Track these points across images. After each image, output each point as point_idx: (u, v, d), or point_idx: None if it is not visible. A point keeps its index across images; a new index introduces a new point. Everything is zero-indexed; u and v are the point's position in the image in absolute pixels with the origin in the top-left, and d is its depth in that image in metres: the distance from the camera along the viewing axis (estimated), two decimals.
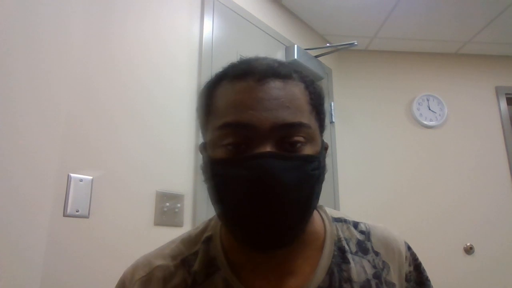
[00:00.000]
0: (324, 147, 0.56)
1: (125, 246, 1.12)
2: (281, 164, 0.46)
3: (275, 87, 0.48)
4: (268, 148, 0.46)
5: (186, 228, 1.33)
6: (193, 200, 1.38)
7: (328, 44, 2.29)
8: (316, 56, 2.20)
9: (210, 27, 1.60)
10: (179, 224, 1.32)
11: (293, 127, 0.47)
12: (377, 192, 2.28)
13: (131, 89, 1.27)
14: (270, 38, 1.95)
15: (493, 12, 2.17)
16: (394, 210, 2.22)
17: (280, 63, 0.53)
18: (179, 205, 1.33)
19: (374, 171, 2.33)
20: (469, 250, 2.22)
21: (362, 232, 0.59)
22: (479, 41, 2.46)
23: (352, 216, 0.62)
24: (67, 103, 1.09)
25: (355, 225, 0.60)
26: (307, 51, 2.11)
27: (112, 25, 1.26)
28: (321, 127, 0.55)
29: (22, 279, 0.93)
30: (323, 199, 0.53)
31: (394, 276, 0.56)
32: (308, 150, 0.49)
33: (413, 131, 2.43)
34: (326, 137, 0.58)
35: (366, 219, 0.64)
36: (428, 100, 2.48)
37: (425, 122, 2.43)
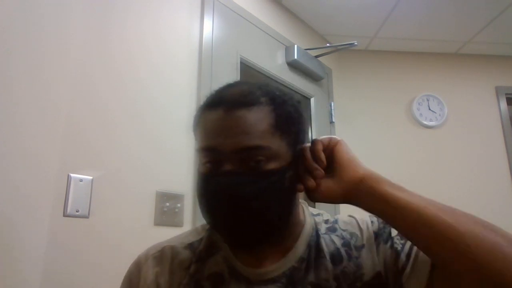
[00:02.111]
0: (301, 152, 0.62)
1: (125, 246, 1.12)
2: (238, 179, 0.56)
3: (239, 116, 0.57)
4: (228, 168, 0.57)
5: (186, 228, 1.32)
6: (193, 200, 1.38)
7: (328, 44, 2.29)
8: (316, 56, 2.20)
9: (210, 27, 1.60)
10: (179, 224, 1.32)
11: (251, 150, 0.57)
12: None
13: (131, 89, 1.27)
14: (270, 38, 1.95)
15: (493, 12, 2.17)
16: None
17: (251, 90, 0.60)
18: (179, 205, 1.33)
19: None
20: None
21: (333, 221, 0.70)
22: (479, 41, 2.46)
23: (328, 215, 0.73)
24: (67, 103, 1.09)
25: (327, 219, 0.72)
26: (307, 51, 2.11)
27: (112, 25, 1.26)
28: (291, 143, 0.60)
29: (22, 279, 0.93)
30: None
31: (362, 239, 0.65)
32: (271, 165, 0.58)
33: (413, 131, 2.42)
34: None
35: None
36: (428, 100, 2.48)
37: (425, 122, 2.43)
